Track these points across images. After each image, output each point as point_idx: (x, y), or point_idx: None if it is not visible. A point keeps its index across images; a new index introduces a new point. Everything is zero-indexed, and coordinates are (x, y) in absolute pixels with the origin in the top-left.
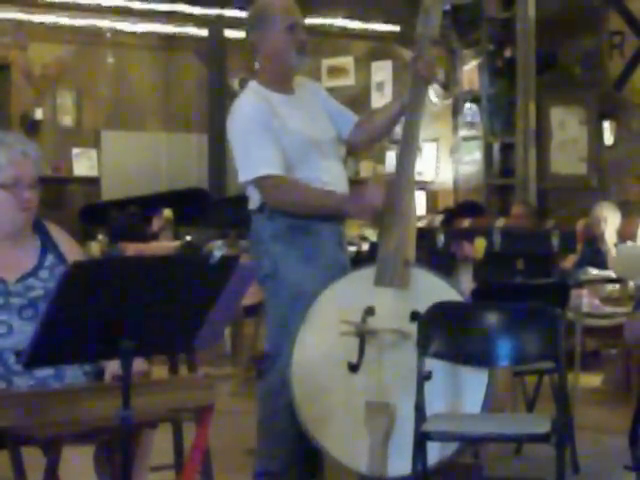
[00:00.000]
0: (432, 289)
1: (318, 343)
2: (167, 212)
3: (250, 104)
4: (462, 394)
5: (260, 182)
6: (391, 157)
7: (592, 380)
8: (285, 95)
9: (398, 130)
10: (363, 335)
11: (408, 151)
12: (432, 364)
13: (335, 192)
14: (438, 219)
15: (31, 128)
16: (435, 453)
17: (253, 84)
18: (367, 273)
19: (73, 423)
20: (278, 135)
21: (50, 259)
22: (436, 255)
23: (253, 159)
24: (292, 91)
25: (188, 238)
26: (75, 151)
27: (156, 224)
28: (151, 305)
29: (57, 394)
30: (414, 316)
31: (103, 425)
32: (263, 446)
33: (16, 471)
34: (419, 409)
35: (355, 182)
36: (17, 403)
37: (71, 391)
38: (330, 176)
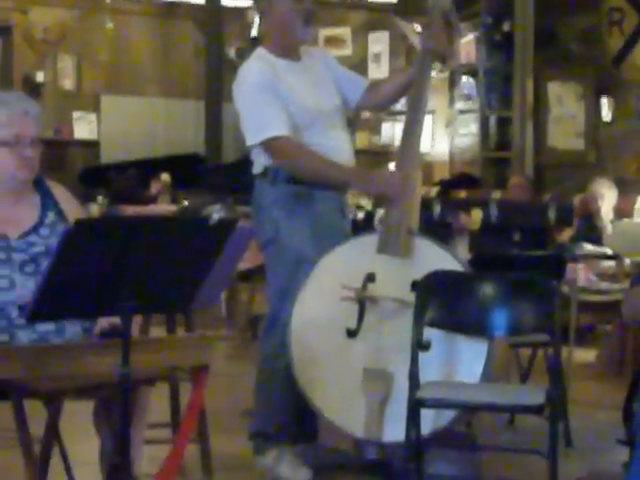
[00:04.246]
0: (434, 259)
1: (318, 308)
2: (165, 176)
3: (256, 69)
4: (459, 364)
5: (268, 144)
6: (386, 128)
7: (586, 355)
8: (291, 62)
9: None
10: (363, 301)
11: (414, 123)
12: (430, 333)
13: (342, 164)
14: (434, 191)
15: (32, 91)
16: (429, 422)
17: (259, 50)
18: (369, 240)
19: (73, 378)
20: (284, 101)
21: (51, 216)
22: (432, 226)
23: (260, 122)
24: (298, 58)
25: (186, 202)
26: (75, 114)
27: (154, 188)
28: (151, 264)
29: (58, 349)
30: (415, 285)
31: (102, 381)
32: (260, 407)
33: (19, 423)
34: (413, 376)
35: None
36: (19, 357)
37: (72, 346)
38: (335, 144)
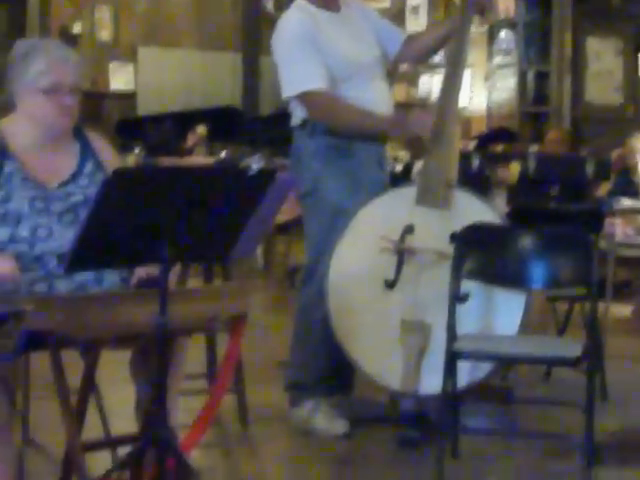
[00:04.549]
0: (473, 211)
1: (356, 259)
2: (201, 129)
3: (296, 20)
4: (496, 317)
5: (304, 97)
6: (424, 81)
7: (623, 310)
8: (331, 13)
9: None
10: (401, 253)
11: (454, 77)
12: (468, 286)
13: (377, 113)
14: (472, 144)
15: (69, 42)
16: (466, 375)
17: (299, 1)
18: (407, 192)
19: (111, 327)
20: (323, 53)
21: (89, 166)
22: (470, 179)
23: (297, 74)
24: (338, 9)
25: (223, 154)
26: (112, 66)
27: (190, 140)
28: (189, 214)
29: (96, 298)
30: (453, 237)
31: (140, 330)
32: (296, 358)
33: (56, 373)
34: (451, 328)
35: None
36: (57, 306)
37: (110, 296)
38: (374, 96)
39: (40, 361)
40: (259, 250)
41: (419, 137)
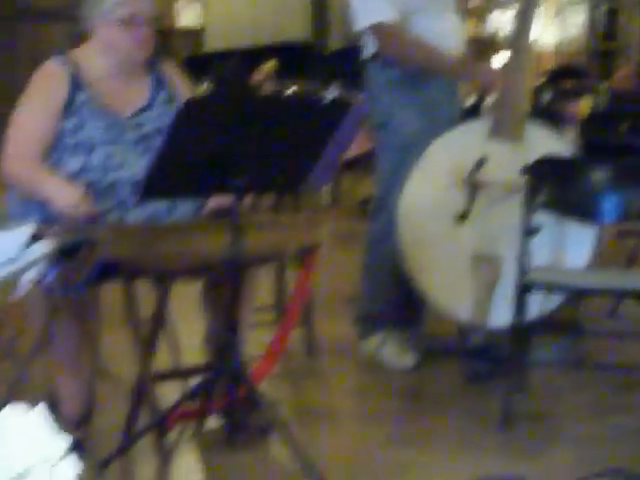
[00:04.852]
0: (545, 144)
1: (427, 192)
2: (270, 65)
3: None
4: (567, 249)
5: (375, 29)
6: (494, 17)
7: None
8: None
9: None
10: (473, 186)
11: (528, 10)
12: (539, 218)
13: (445, 56)
14: (542, 80)
15: None
16: (536, 308)
17: None
18: (480, 125)
19: (183, 258)
20: None
21: (162, 96)
22: (542, 113)
23: (369, 6)
24: None
25: (293, 89)
26: (180, 2)
27: (259, 76)
28: (264, 143)
29: (169, 228)
30: (526, 170)
31: (212, 261)
32: (366, 290)
33: (128, 303)
34: (521, 261)
35: None
36: (130, 236)
37: (182, 226)
38: (446, 28)
39: (111, 291)
40: (326, 186)
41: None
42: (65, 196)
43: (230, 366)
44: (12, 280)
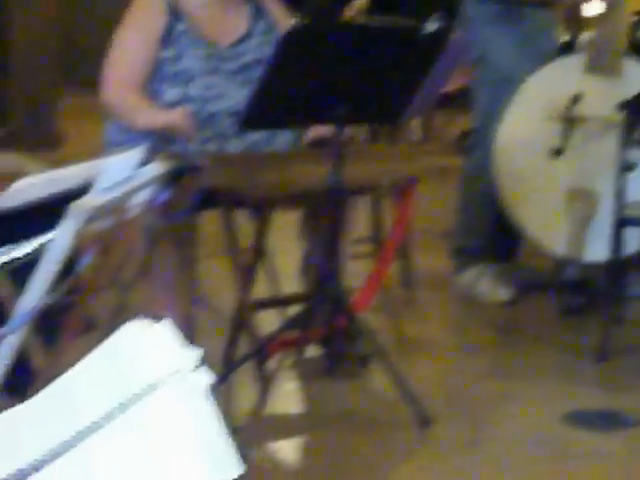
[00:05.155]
0: None
1: (523, 126)
2: (360, 1)
3: None
4: None
5: None
6: None
7: None
8: None
9: None
10: (569, 121)
11: None
12: (636, 155)
13: None
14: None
15: None
16: (632, 243)
17: None
18: (576, 60)
19: (283, 186)
20: None
21: (261, 26)
22: (638, 49)
23: None
24: None
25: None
26: None
27: (351, 12)
28: (364, 73)
29: (269, 157)
30: (623, 105)
31: (312, 190)
32: (461, 225)
33: (227, 231)
34: (619, 196)
35: None
36: (230, 164)
37: (282, 155)
38: None
39: (211, 219)
40: (417, 121)
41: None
42: (167, 121)
43: (330, 295)
44: (124, 202)
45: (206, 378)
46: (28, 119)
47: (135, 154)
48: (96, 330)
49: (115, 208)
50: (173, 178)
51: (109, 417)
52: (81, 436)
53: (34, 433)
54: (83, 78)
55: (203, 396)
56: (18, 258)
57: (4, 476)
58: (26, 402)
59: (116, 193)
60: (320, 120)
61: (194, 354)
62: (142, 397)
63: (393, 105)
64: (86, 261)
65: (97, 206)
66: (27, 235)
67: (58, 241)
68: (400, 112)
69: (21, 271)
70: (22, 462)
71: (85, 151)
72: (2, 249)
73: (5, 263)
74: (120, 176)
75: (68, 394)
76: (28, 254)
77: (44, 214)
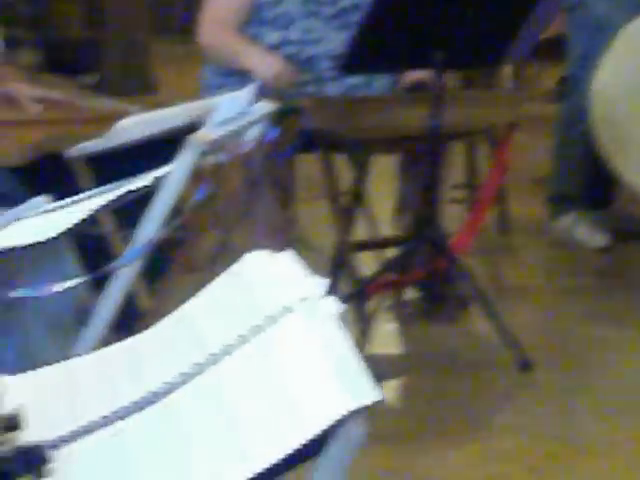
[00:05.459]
0: None
1: (621, 72)
2: None
3: None
4: None
5: None
6: None
7: None
8: None
9: None
10: None
11: None
12: None
13: None
14: None
15: None
16: None
17: None
18: None
19: (382, 129)
20: None
21: None
22: None
23: None
24: None
25: None
26: None
27: None
28: (463, 17)
29: (368, 101)
30: None
31: (411, 133)
32: (557, 171)
33: (326, 175)
34: None
35: None
36: (329, 107)
37: (382, 99)
38: None
39: (310, 163)
40: (509, 69)
41: None
42: (267, 65)
43: (430, 237)
44: (237, 137)
45: (336, 305)
46: (122, 65)
47: (245, 93)
48: (197, 271)
49: (229, 143)
50: (279, 118)
51: (242, 340)
52: (213, 359)
53: (161, 359)
54: (175, 24)
55: (336, 322)
56: (130, 192)
57: (134, 399)
58: (148, 330)
59: (231, 128)
60: (418, 65)
61: (322, 282)
62: (276, 320)
63: (491, 50)
64: (200, 196)
65: (213, 140)
66: (133, 173)
67: (175, 174)
68: (498, 57)
69: (127, 208)
70: (149, 386)
71: (178, 97)
72: (111, 185)
73: (114, 200)
74: (233, 112)
75: (193, 320)
76: (142, 188)
77: (149, 152)
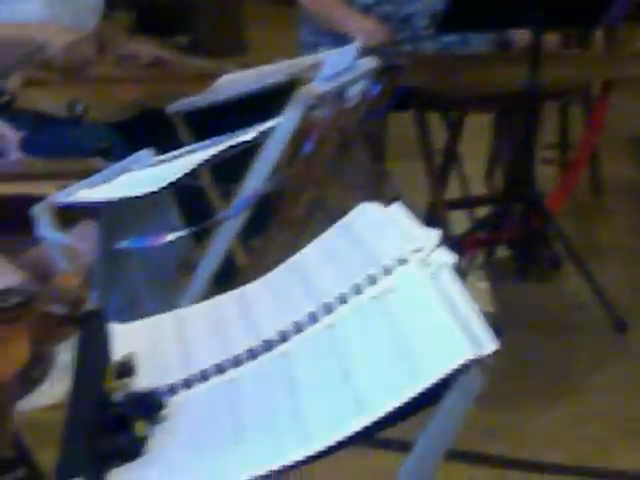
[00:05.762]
0: None
1: None
2: None
3: None
4: None
5: None
6: None
7: None
8: None
9: None
10: None
11: None
12: None
13: None
14: None
15: None
16: None
17: None
18: None
19: (480, 87)
20: None
21: None
22: None
23: None
24: None
25: None
26: None
27: None
28: None
29: (465, 59)
30: None
31: (508, 91)
32: None
33: (421, 132)
34: None
35: None
36: (429, 64)
37: (479, 57)
38: None
39: (404, 120)
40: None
41: None
42: (363, 26)
43: (525, 196)
44: (344, 91)
45: (450, 257)
46: (215, 26)
47: (350, 49)
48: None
49: (336, 97)
50: (381, 75)
51: (356, 289)
52: (327, 308)
53: (273, 308)
54: None
55: (451, 273)
56: (232, 147)
57: (247, 347)
58: (258, 280)
59: (338, 82)
60: (517, 24)
61: (435, 233)
62: (391, 270)
63: (590, 10)
64: (308, 148)
65: (321, 93)
66: (230, 129)
67: (283, 125)
68: (597, 18)
69: (225, 164)
70: (262, 335)
71: (270, 58)
72: (212, 140)
73: (216, 154)
74: (339, 68)
75: (305, 270)
76: (243, 142)
77: (247, 110)
